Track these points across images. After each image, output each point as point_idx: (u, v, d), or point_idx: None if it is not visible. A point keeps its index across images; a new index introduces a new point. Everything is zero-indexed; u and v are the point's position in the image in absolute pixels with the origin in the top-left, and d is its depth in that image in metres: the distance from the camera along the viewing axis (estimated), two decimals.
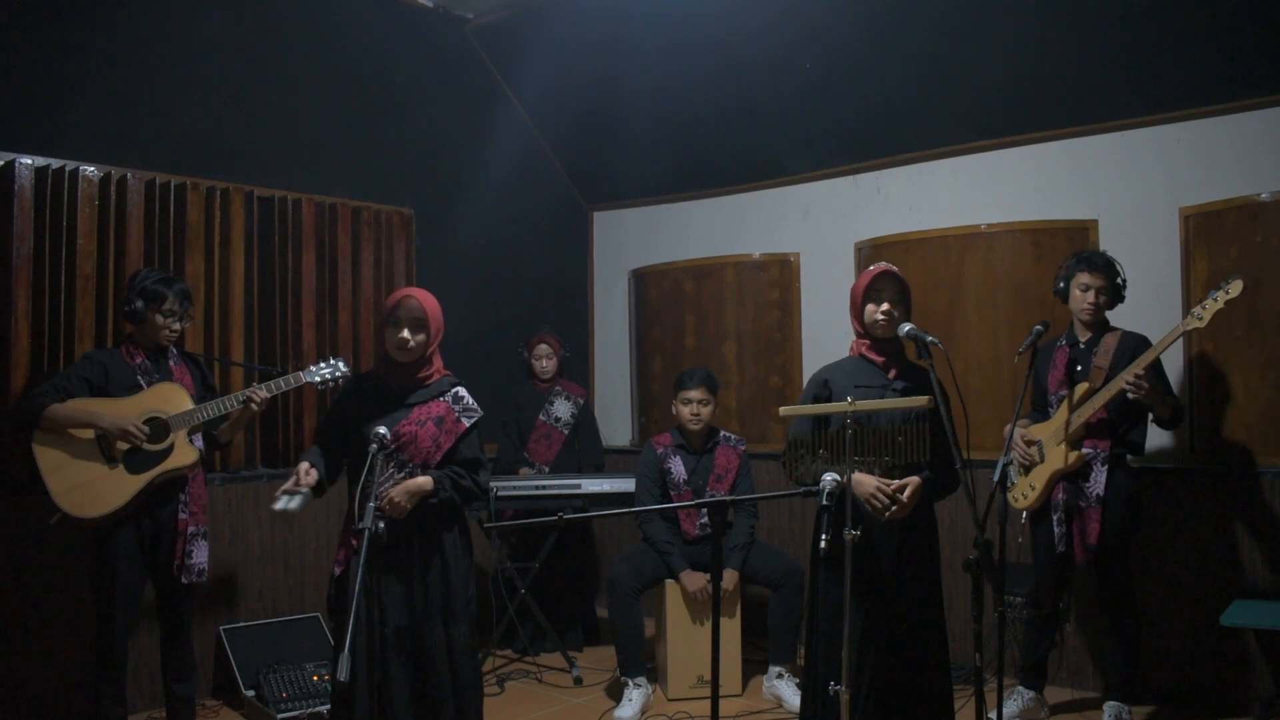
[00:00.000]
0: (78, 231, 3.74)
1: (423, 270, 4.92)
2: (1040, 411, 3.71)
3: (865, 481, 2.86)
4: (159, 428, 3.20)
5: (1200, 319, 3.22)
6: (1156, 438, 3.87)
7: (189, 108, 4.16)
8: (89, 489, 3.12)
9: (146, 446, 3.17)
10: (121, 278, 3.84)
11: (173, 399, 3.25)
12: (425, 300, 2.92)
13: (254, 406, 3.32)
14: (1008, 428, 3.73)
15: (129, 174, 3.89)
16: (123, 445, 3.15)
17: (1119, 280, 3.57)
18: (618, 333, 5.79)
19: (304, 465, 2.83)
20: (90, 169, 3.80)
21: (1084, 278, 3.55)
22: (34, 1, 3.68)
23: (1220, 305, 3.19)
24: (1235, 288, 3.17)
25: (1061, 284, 3.62)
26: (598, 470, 4.94)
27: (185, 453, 3.22)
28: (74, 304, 3.73)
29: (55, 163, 3.72)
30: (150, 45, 4.00)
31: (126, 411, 3.17)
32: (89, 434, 3.14)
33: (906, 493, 2.86)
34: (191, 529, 3.27)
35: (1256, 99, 3.76)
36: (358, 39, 4.68)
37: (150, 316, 3.25)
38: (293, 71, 4.48)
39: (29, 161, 3.65)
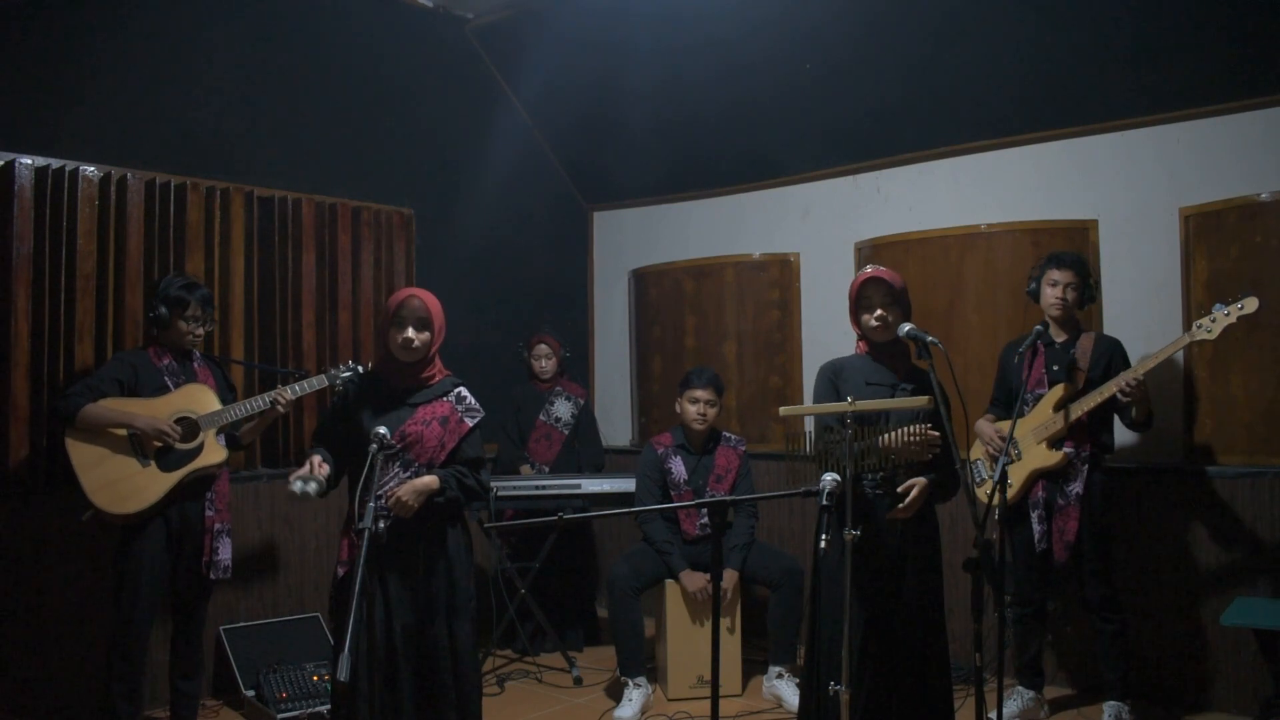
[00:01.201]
0: (78, 231, 3.74)
1: (423, 270, 4.92)
2: (1004, 408, 3.75)
3: (898, 435, 2.83)
4: (189, 427, 3.30)
5: (1210, 332, 3.23)
6: (1157, 438, 3.88)
7: (189, 108, 4.16)
8: (123, 486, 3.20)
9: (179, 445, 3.27)
10: (122, 277, 3.84)
11: (201, 400, 3.36)
12: (428, 300, 2.94)
13: (279, 408, 3.44)
14: (980, 424, 3.76)
15: (129, 174, 3.89)
16: (156, 444, 3.24)
17: (1090, 280, 3.60)
18: (618, 333, 5.79)
19: (316, 458, 2.83)
20: (90, 169, 3.80)
21: (1053, 274, 3.60)
22: (34, 1, 3.68)
23: (1232, 320, 3.20)
24: (1250, 304, 3.17)
25: (1033, 284, 3.69)
26: (598, 470, 4.94)
27: (214, 451, 3.35)
28: (74, 304, 3.73)
29: (55, 163, 3.72)
30: (150, 45, 4.00)
31: (158, 412, 3.26)
32: (121, 432, 3.22)
33: (911, 495, 2.87)
34: (217, 526, 3.38)
35: (1256, 99, 3.76)
36: (358, 39, 4.68)
37: (174, 322, 3.35)
38: (293, 71, 4.48)
39: (29, 161, 3.65)
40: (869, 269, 3.03)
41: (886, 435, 2.82)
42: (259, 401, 3.43)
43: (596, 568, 5.37)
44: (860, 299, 2.99)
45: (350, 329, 4.61)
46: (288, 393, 3.47)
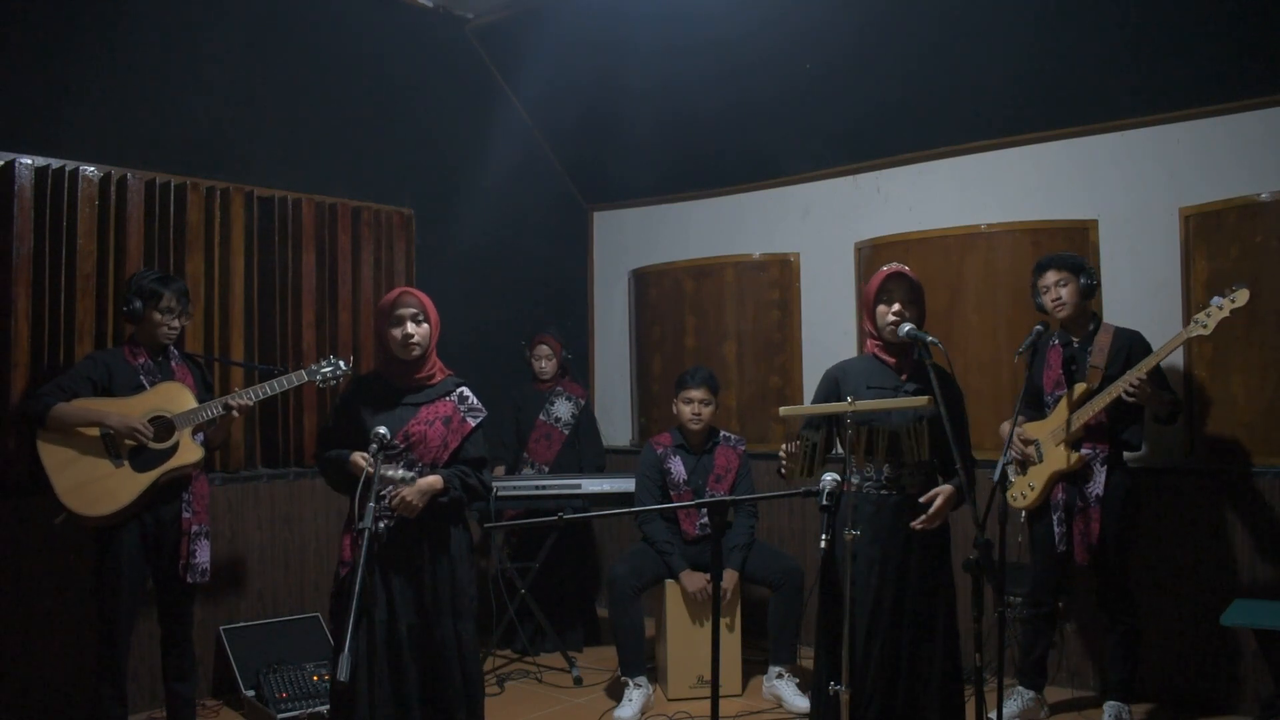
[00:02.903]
0: (78, 231, 3.74)
1: (423, 270, 4.92)
2: (1034, 410, 3.73)
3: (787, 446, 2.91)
4: (164, 426, 3.23)
5: (1205, 327, 3.22)
6: (1157, 438, 3.88)
7: (189, 108, 4.15)
8: (95, 487, 3.13)
9: (152, 445, 3.19)
10: (122, 278, 3.83)
11: (177, 398, 3.28)
12: (420, 295, 2.99)
13: (234, 414, 3.31)
14: (1004, 426, 3.75)
15: (129, 174, 3.89)
16: (129, 444, 3.17)
17: (1085, 269, 3.59)
18: (618, 333, 5.79)
19: (357, 455, 2.86)
20: (90, 169, 3.80)
21: (1042, 281, 3.62)
22: (34, 1, 3.68)
23: (1225, 314, 3.19)
24: (1242, 297, 3.17)
25: (1036, 298, 3.68)
26: (598, 470, 4.94)
27: (190, 451, 3.26)
28: (74, 304, 3.73)
29: (55, 163, 3.72)
30: (150, 45, 4.00)
31: (132, 410, 3.19)
32: (94, 432, 3.16)
33: (936, 504, 2.86)
34: (195, 528, 3.30)
35: (1256, 99, 3.76)
36: (357, 39, 4.68)
37: (148, 315, 3.27)
38: (293, 71, 4.48)
39: (29, 161, 3.65)
40: (894, 265, 3.03)
41: (785, 445, 2.90)
42: (215, 406, 3.28)
43: (596, 568, 5.37)
44: (881, 291, 2.98)
45: (350, 329, 4.61)
46: (243, 397, 3.31)
